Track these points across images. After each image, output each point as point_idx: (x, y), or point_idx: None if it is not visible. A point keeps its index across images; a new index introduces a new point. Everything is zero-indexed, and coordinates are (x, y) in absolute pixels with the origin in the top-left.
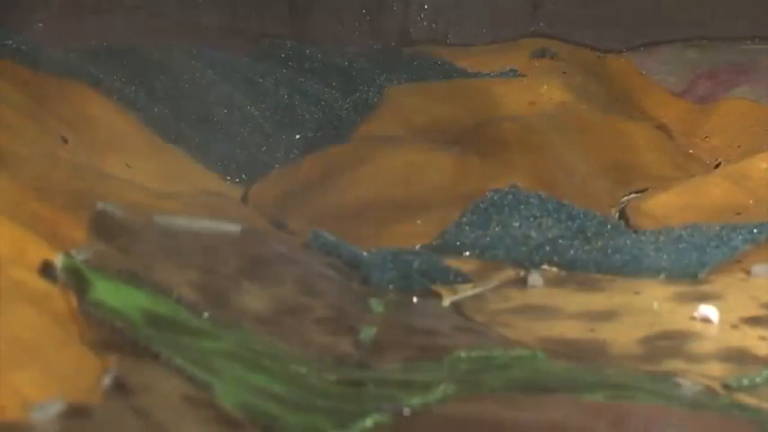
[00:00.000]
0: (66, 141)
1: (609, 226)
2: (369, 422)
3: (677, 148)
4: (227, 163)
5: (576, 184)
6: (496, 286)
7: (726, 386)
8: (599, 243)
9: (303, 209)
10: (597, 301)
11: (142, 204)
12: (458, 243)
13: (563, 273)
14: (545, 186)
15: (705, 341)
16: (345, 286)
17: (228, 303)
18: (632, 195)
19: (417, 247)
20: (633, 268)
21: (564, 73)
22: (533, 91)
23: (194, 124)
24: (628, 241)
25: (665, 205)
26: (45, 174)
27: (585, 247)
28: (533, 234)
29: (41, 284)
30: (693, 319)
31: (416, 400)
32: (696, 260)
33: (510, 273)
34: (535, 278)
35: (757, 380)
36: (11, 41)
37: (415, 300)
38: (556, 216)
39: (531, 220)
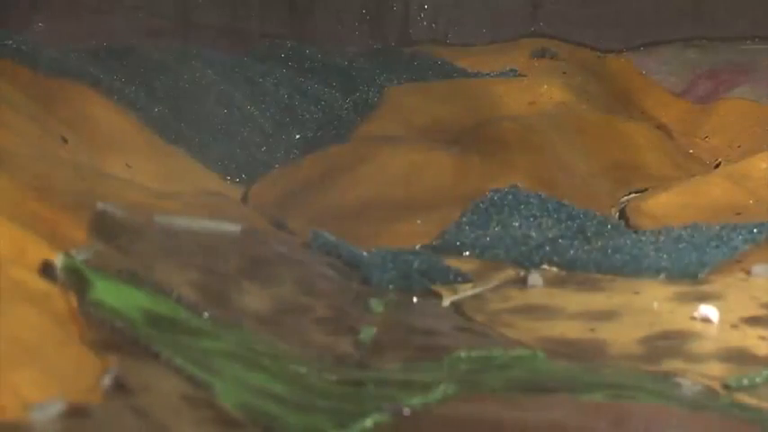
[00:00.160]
0: (66, 141)
1: (609, 226)
2: (369, 422)
3: (677, 148)
4: (227, 163)
5: (576, 184)
6: (496, 286)
7: (726, 386)
8: (599, 243)
9: (303, 209)
10: (597, 301)
11: (142, 204)
12: (458, 243)
13: (563, 273)
14: (545, 186)
15: (705, 341)
16: (345, 286)
17: (228, 303)
18: (632, 195)
19: (417, 247)
20: (633, 268)
21: (564, 73)
22: (533, 91)
23: (194, 124)
24: (628, 241)
25: (665, 205)
26: (45, 174)
27: (585, 247)
28: (533, 234)
29: (41, 284)
30: (693, 319)
31: (416, 400)
32: (696, 260)
33: (510, 273)
34: (535, 278)
35: (757, 380)
36: (11, 41)
37: (415, 300)
38: (556, 216)
39: (531, 220)
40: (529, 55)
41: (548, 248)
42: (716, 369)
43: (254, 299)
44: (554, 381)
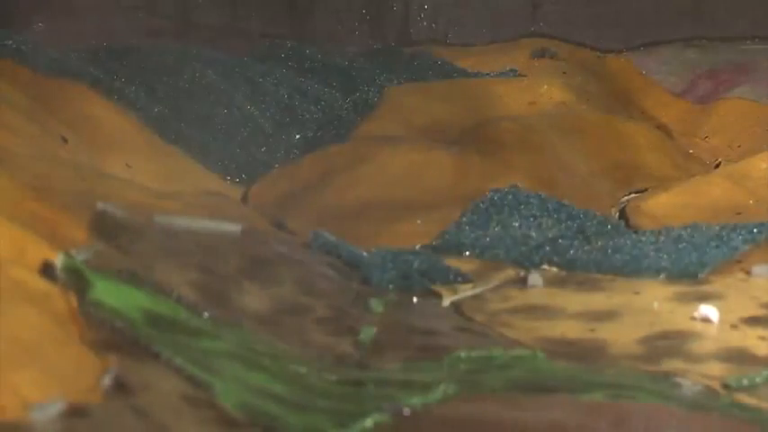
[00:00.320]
0: (66, 141)
1: (609, 226)
2: (369, 422)
3: (677, 148)
4: (227, 163)
5: (576, 184)
6: (496, 286)
7: (726, 386)
8: (599, 243)
9: (303, 209)
10: (597, 301)
11: (142, 204)
12: (458, 243)
13: (563, 273)
14: (545, 186)
15: (705, 341)
16: (345, 286)
17: (228, 303)
18: (632, 195)
19: (417, 247)
20: (633, 268)
21: (564, 73)
22: (533, 91)
23: (194, 124)
24: (628, 241)
25: (665, 205)
26: (45, 174)
27: (585, 247)
28: (533, 234)
29: (41, 284)
30: (693, 319)
31: (416, 400)
32: (696, 260)
33: (510, 273)
34: (535, 278)
35: (757, 380)
36: (11, 41)
37: (415, 300)
38: (556, 216)
39: (531, 220)
40: (529, 55)
41: (548, 248)
42: (716, 369)
43: (254, 299)
44: (554, 381)
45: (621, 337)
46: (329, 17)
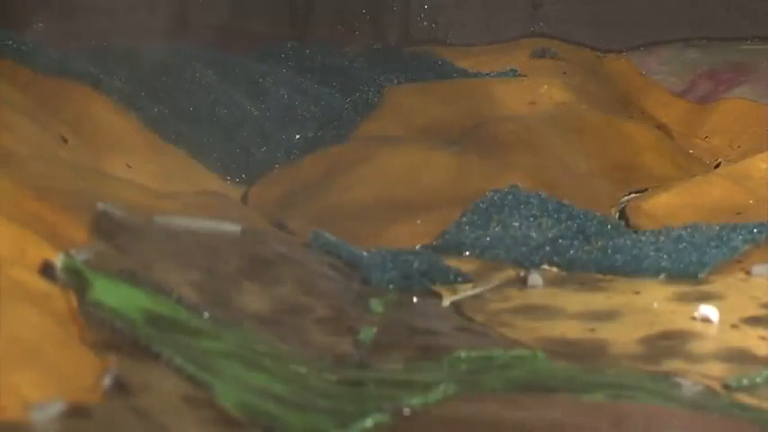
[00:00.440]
0: (66, 141)
1: (609, 226)
2: (369, 422)
3: (677, 148)
4: (227, 163)
5: (576, 184)
6: (496, 286)
7: (726, 386)
8: (599, 243)
9: (303, 209)
10: (597, 301)
11: (142, 204)
12: (458, 243)
13: (563, 273)
14: (545, 186)
15: (705, 341)
16: (345, 286)
17: (228, 303)
18: (632, 195)
19: (417, 247)
20: (633, 268)
21: (564, 73)
22: (533, 91)
23: (194, 124)
24: (628, 241)
25: (665, 205)
26: (45, 174)
27: (585, 247)
28: (533, 234)
29: (41, 284)
30: (693, 319)
31: (416, 400)
32: (696, 260)
33: (510, 273)
34: (535, 278)
35: (757, 380)
36: (11, 41)
37: (415, 300)
38: (556, 216)
39: (531, 220)
40: (529, 55)
41: (548, 248)
42: (716, 369)
43: (254, 299)
44: (554, 381)
45: (621, 337)
46: (329, 17)
